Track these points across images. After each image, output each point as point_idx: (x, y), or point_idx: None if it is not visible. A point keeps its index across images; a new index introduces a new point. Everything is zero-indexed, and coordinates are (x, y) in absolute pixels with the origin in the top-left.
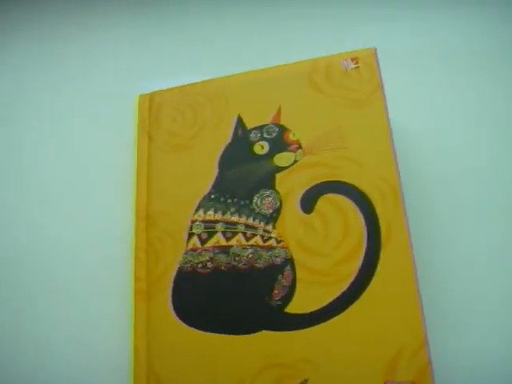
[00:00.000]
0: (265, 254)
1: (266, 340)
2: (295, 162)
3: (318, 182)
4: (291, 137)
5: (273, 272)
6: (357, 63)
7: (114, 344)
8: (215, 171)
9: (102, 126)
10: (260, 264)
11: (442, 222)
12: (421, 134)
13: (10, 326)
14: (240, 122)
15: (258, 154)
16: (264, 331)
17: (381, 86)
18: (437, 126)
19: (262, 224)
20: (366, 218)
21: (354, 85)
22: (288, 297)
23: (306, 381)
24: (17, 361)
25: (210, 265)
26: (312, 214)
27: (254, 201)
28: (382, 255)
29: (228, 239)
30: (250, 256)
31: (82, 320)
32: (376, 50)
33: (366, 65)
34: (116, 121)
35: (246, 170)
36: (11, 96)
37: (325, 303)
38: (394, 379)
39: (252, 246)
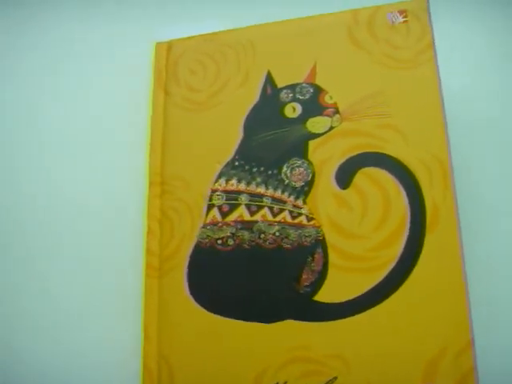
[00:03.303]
0: (293, 233)
1: (291, 330)
2: (331, 128)
3: (357, 153)
4: (327, 99)
5: (302, 254)
6: (405, 17)
7: (123, 323)
8: (240, 134)
9: (115, 76)
10: (288, 244)
11: (493, 206)
12: (472, 102)
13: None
14: (270, 78)
15: (289, 117)
16: (290, 320)
17: (433, 45)
18: (491, 94)
19: (292, 198)
20: (409, 197)
21: (401, 42)
22: (318, 283)
23: (334, 379)
24: (18, 331)
25: (231, 242)
26: (348, 190)
27: (283, 171)
28: (427, 242)
29: (252, 213)
30: (277, 234)
31: (89, 292)
32: (428, 0)
33: (416, 19)
34: (130, 71)
35: (275, 134)
36: (23, 46)
37: (359, 293)
38: (433, 383)
39: (279, 222)
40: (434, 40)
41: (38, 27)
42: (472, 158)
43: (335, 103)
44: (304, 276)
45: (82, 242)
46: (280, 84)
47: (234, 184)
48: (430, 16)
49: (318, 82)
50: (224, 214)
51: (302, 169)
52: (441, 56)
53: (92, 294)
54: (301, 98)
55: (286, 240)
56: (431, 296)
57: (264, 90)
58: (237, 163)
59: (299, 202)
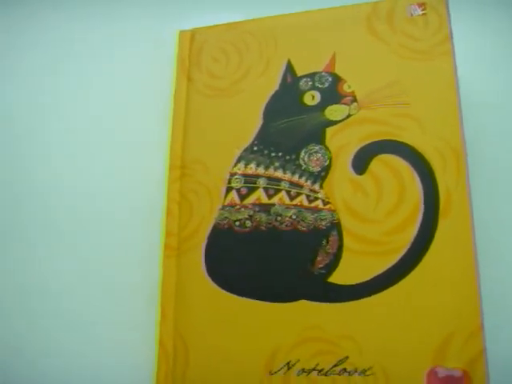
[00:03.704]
0: (309, 216)
1: (305, 311)
2: (349, 116)
3: (374, 140)
4: (346, 88)
5: (317, 236)
6: (424, 9)
7: (140, 301)
8: (259, 121)
9: (139, 62)
10: (304, 226)
11: (505, 195)
12: (485, 94)
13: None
14: (290, 67)
15: (308, 105)
16: (304, 301)
17: (450, 38)
18: (507, 86)
19: (309, 183)
20: (424, 184)
21: (419, 33)
22: (332, 265)
23: (345, 358)
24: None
25: (248, 223)
26: (364, 176)
27: (301, 156)
28: (440, 227)
29: (270, 197)
30: (294, 217)
31: (106, 274)
32: None
33: (434, 12)
34: (154, 58)
35: (294, 121)
36: (48, 33)
37: (372, 275)
38: (442, 365)
39: (296, 206)
40: (451, 33)
41: (64, 13)
42: (486, 148)
43: (353, 92)
44: (319, 258)
45: (102, 224)
46: (300, 73)
47: (252, 168)
48: (448, 9)
49: (337, 71)
50: (242, 197)
51: (319, 154)
52: (458, 48)
53: (112, 276)
54: (320, 86)
55: (302, 223)
56: (443, 281)
57: (284, 78)
58: (255, 148)
59: (316, 187)
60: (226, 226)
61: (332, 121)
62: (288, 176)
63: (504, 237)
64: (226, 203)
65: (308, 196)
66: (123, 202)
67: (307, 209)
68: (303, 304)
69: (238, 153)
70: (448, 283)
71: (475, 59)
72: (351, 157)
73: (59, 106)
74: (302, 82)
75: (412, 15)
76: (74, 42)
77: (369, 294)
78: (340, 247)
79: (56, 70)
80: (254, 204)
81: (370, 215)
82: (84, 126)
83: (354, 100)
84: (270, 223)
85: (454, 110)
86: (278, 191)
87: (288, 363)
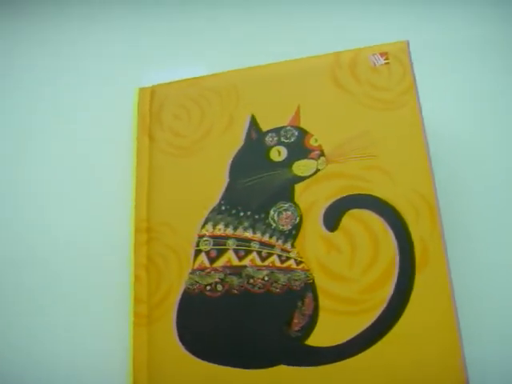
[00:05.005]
0: (282, 277)
1: (284, 376)
2: (317, 171)
3: (343, 195)
4: (312, 142)
5: (292, 298)
6: (387, 59)
7: (110, 374)
8: (226, 179)
9: (98, 121)
10: (277, 288)
11: (481, 242)
12: (455, 139)
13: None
14: (254, 122)
15: (274, 161)
16: (282, 366)
17: (414, 86)
18: (474, 130)
19: (280, 242)
20: (398, 238)
21: (383, 83)
22: (309, 327)
23: None
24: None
25: (220, 287)
26: (336, 233)
27: (271, 215)
28: (417, 281)
29: (241, 258)
30: (266, 279)
31: (76, 344)
32: (408, 43)
33: (397, 61)
34: (113, 117)
35: (262, 178)
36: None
37: (351, 336)
38: None
39: (268, 267)
40: (415, 81)
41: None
42: (458, 194)
43: (320, 146)
44: (295, 320)
45: (67, 290)
46: (265, 127)
47: (221, 229)
48: (410, 57)
49: (303, 124)
50: (212, 260)
51: (289, 212)
52: (423, 95)
53: (79, 345)
54: (286, 141)
55: (275, 284)
56: (424, 336)
57: (248, 134)
58: (223, 208)
59: (287, 246)
60: (196, 291)
61: (300, 176)
62: (258, 236)
63: (482, 284)
64: (195, 267)
65: (280, 256)
66: (87, 265)
67: (280, 269)
68: (282, 369)
69: (205, 213)
70: (429, 339)
71: (440, 97)
72: (322, 213)
73: (19, 162)
74: (267, 138)
75: (375, 65)
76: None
77: (349, 356)
78: (316, 308)
79: (19, 130)
80: (224, 267)
81: (345, 273)
82: (42, 190)
83: (322, 154)
84: (242, 286)
85: (423, 159)
86: (248, 252)
87: None
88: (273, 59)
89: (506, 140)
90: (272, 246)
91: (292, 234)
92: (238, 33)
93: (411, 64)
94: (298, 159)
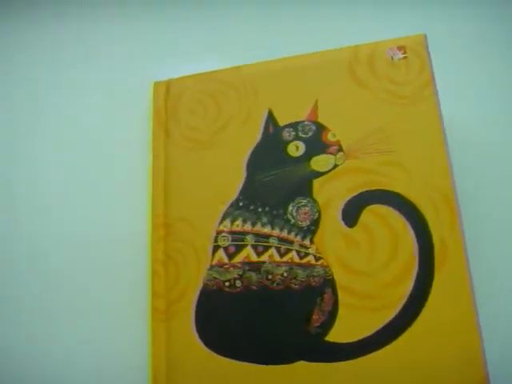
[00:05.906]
0: (301, 273)
1: (304, 372)
2: (335, 166)
3: (362, 190)
4: (330, 137)
5: (311, 294)
6: (405, 52)
7: (130, 369)
8: (243, 174)
9: (114, 117)
10: (296, 284)
11: (501, 239)
12: (474, 134)
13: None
14: (271, 117)
15: (292, 156)
16: (301, 362)
17: (433, 80)
18: (494, 125)
19: (299, 238)
20: (417, 234)
21: (401, 78)
22: (329, 323)
23: None
24: None
25: (238, 283)
26: (355, 228)
27: (289, 210)
28: (437, 278)
29: (259, 254)
30: (285, 275)
31: (93, 338)
32: (426, 36)
33: (415, 54)
34: (129, 111)
35: (279, 174)
36: (20, 87)
37: (371, 332)
38: None
39: (287, 263)
40: (433, 75)
41: (36, 65)
42: (477, 191)
43: (338, 141)
44: (315, 316)
45: (83, 287)
46: (282, 122)
47: (239, 225)
48: (428, 50)
49: (321, 119)
50: (230, 256)
51: (307, 208)
52: (442, 89)
53: (96, 341)
54: (303, 136)
55: (294, 280)
56: (443, 333)
57: (266, 128)
58: (241, 203)
59: (306, 242)
60: (215, 287)
61: (318, 172)
62: (276, 232)
63: (502, 283)
64: (213, 263)
65: (299, 252)
66: (105, 261)
67: (299, 265)
68: (301, 365)
69: (223, 209)
70: (449, 336)
71: (458, 95)
72: (340, 209)
73: (32, 162)
74: (284, 132)
75: (393, 59)
76: (47, 88)
77: (368, 352)
78: (335, 304)
79: (29, 125)
80: (243, 262)
81: (364, 269)
82: (58, 189)
83: (340, 149)
84: (260, 282)
85: (442, 155)
86: (267, 248)
87: None
88: (289, 53)
89: None
90: (291, 242)
91: (311, 230)
92: (254, 26)
93: (429, 57)
94: (316, 154)
